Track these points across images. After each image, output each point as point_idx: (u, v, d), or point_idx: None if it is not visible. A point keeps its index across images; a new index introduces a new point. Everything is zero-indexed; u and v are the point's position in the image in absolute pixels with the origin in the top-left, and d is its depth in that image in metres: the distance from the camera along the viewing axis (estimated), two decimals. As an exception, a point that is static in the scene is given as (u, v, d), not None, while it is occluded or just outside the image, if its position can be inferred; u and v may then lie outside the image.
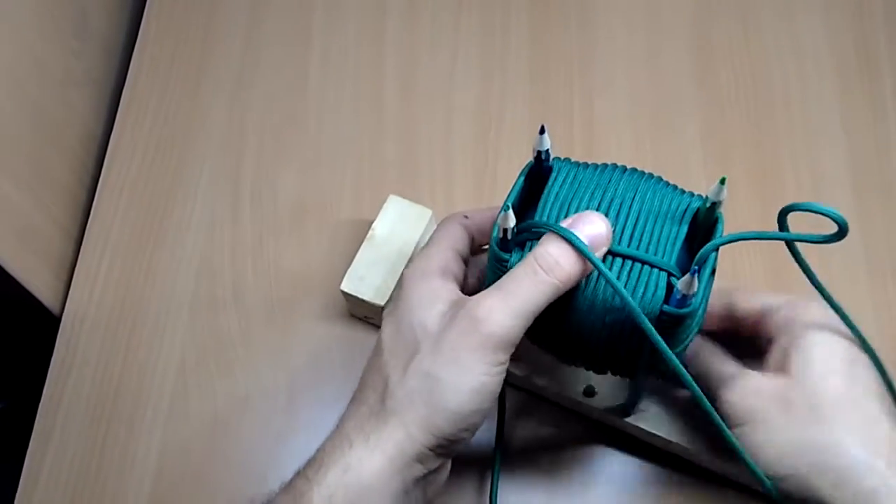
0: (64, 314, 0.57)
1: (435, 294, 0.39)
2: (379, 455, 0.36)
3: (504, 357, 0.37)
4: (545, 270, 0.36)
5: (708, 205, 0.39)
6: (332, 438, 0.38)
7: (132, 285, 0.57)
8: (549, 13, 0.67)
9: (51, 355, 0.55)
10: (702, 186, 0.40)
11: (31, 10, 0.57)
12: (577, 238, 0.37)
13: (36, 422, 0.53)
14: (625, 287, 0.38)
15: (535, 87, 0.64)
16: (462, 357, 0.36)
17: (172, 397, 0.54)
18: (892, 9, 0.66)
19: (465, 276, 0.43)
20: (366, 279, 0.52)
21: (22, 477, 0.52)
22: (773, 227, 0.58)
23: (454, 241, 0.43)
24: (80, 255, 0.59)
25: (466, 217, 0.44)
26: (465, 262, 0.44)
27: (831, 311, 0.41)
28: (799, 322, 0.42)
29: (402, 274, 0.42)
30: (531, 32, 0.66)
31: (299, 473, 0.38)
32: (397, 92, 0.64)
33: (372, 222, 0.54)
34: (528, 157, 0.60)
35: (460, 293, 0.40)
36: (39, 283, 0.56)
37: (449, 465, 0.40)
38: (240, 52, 0.66)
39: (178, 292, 0.57)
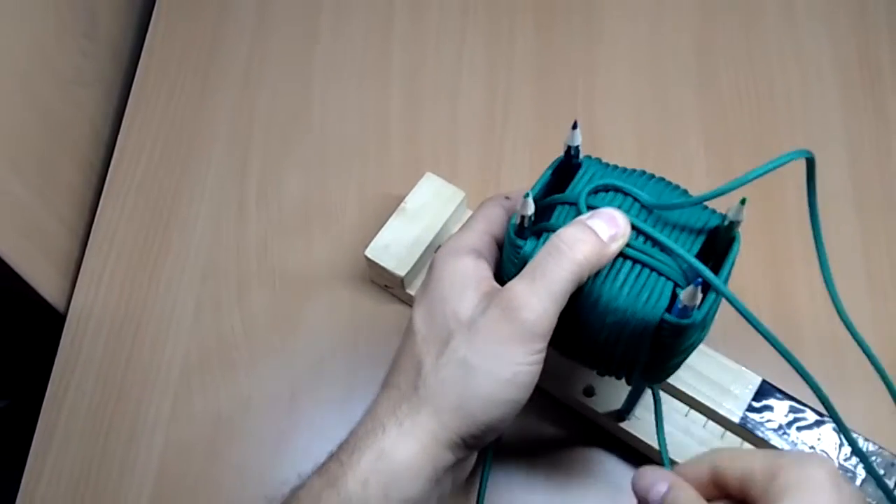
0: (69, 312, 0.57)
1: (466, 276, 0.39)
2: (412, 441, 0.36)
3: (539, 345, 0.36)
4: (568, 246, 0.36)
5: (726, 223, 0.39)
6: (364, 423, 0.38)
7: (137, 284, 0.57)
8: (554, 15, 0.67)
9: (55, 353, 0.55)
10: (703, 186, 0.40)
11: (42, 10, 0.57)
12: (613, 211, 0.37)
13: (39, 420, 0.53)
14: (629, 291, 0.38)
15: (540, 88, 0.64)
16: (497, 347, 0.36)
17: (176, 396, 0.54)
18: (895, 15, 0.66)
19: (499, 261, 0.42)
20: (390, 248, 0.53)
21: (24, 475, 0.52)
22: (774, 229, 0.58)
23: (491, 223, 0.42)
24: (85, 254, 0.59)
25: (508, 198, 0.43)
26: (501, 245, 0.43)
27: (814, 471, 0.31)
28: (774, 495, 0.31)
29: (435, 254, 0.41)
30: (536, 34, 0.66)
31: (332, 457, 0.38)
32: (403, 92, 0.64)
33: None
34: (533, 158, 0.61)
35: (492, 280, 0.40)
36: (45, 281, 0.56)
37: (475, 457, 0.41)
38: (247, 53, 0.66)
39: (182, 292, 0.57)
